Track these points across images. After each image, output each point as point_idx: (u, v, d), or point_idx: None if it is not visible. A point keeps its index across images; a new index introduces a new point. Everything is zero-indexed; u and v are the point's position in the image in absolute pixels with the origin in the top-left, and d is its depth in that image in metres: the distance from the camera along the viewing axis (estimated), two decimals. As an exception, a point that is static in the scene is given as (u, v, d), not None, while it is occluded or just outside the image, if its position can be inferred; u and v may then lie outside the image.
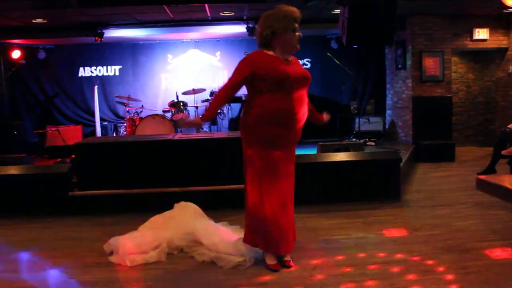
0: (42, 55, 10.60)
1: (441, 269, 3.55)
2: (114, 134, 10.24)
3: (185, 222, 4.28)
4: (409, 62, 9.59)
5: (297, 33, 3.54)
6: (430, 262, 3.70)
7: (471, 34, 9.62)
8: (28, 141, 10.11)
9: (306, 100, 3.65)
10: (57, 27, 9.27)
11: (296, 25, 3.54)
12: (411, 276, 3.43)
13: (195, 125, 3.64)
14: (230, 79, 3.59)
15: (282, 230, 3.60)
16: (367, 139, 9.56)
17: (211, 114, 3.68)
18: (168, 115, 9.46)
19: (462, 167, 7.98)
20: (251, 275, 3.55)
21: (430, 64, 9.44)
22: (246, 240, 3.74)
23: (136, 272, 3.69)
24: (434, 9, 8.94)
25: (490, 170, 6.83)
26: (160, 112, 9.79)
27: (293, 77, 3.49)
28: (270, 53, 3.57)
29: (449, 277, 3.40)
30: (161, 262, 3.88)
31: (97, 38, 9.30)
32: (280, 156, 3.60)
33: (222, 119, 10.37)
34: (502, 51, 9.97)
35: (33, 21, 8.62)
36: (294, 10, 3.54)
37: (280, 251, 3.64)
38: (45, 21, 8.64)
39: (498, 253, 3.85)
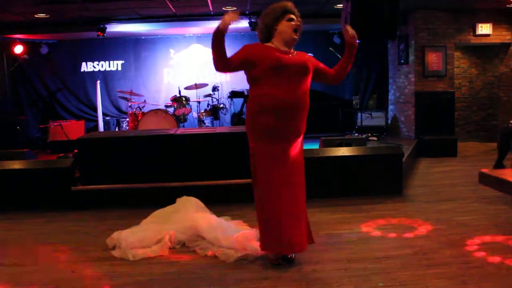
0: (44, 50, 10.61)
1: (443, 263, 3.55)
2: (117, 129, 10.25)
3: (188, 217, 4.29)
4: (411, 57, 9.57)
5: (292, 22, 3.50)
6: (432, 256, 3.70)
7: (474, 29, 9.59)
8: (31, 136, 10.13)
9: (306, 90, 3.57)
10: (59, 22, 9.27)
11: (291, 15, 3.51)
12: (413, 271, 3.43)
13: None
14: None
15: (282, 229, 3.50)
16: (369, 134, 9.56)
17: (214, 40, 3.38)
18: (171, 110, 9.46)
19: (465, 162, 7.96)
20: (253, 269, 3.56)
21: (433, 59, 9.42)
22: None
23: (138, 266, 3.70)
24: (437, 3, 8.91)
25: (499, 166, 6.83)
26: (162, 107, 9.79)
27: (287, 64, 3.45)
28: (269, 44, 3.55)
29: (451, 271, 3.40)
30: (163, 257, 3.89)
31: (99, 33, 9.30)
32: (282, 153, 3.54)
33: (225, 114, 10.37)
34: (505, 46, 9.94)
35: (36, 16, 8.61)
36: (285, 2, 3.55)
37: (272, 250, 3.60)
38: (48, 16, 8.64)
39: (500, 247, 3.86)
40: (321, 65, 3.78)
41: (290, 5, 3.56)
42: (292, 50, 3.59)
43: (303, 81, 3.54)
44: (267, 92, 3.46)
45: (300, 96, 3.51)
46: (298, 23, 3.54)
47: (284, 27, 3.50)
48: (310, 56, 3.76)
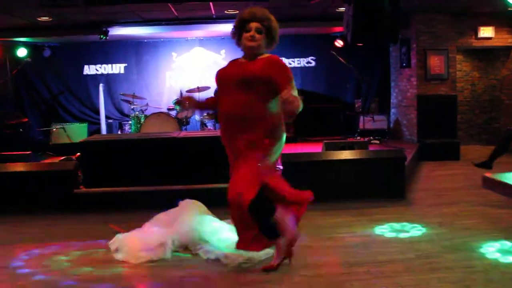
0: (47, 53, 10.63)
1: (446, 268, 3.55)
2: (119, 132, 10.26)
3: (190, 220, 4.28)
4: (413, 61, 9.57)
5: (247, 33, 3.41)
6: (436, 260, 3.69)
7: (476, 32, 9.61)
8: (33, 138, 10.14)
9: (251, 100, 3.35)
10: (62, 25, 9.30)
11: (249, 25, 3.41)
12: (416, 275, 3.43)
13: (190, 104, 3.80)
14: None
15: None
16: (371, 138, 9.55)
17: (202, 106, 3.88)
18: (173, 113, 9.48)
19: (467, 166, 7.93)
20: (256, 273, 3.55)
21: (435, 62, 9.41)
22: None
23: (141, 269, 3.71)
24: (439, 7, 8.91)
25: (487, 165, 6.73)
26: (164, 110, 9.81)
27: (228, 78, 3.44)
28: (241, 58, 3.55)
29: (455, 276, 3.39)
30: (166, 260, 3.88)
31: (101, 36, 9.33)
32: (236, 164, 3.54)
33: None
34: (507, 49, 9.95)
35: (38, 19, 8.64)
36: (245, 11, 3.46)
37: None
38: (50, 19, 8.66)
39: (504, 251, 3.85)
40: (278, 80, 3.29)
41: (246, 13, 3.44)
42: (257, 57, 3.46)
43: (247, 92, 3.35)
44: (219, 106, 3.56)
45: (243, 108, 3.36)
46: (252, 33, 3.39)
47: (243, 39, 3.45)
48: (278, 62, 3.41)
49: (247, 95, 3.35)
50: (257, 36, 3.41)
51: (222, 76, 3.52)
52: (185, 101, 3.69)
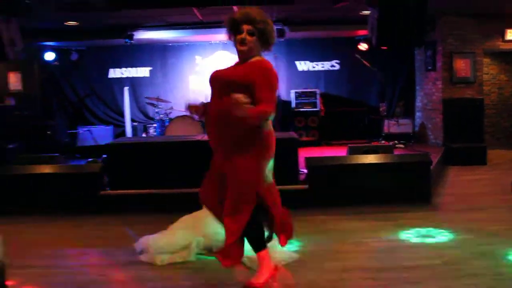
0: (74, 56, 10.80)
1: (474, 274, 3.49)
2: (144, 135, 10.36)
3: (215, 222, 4.30)
4: (439, 64, 9.44)
5: (238, 36, 3.29)
6: (463, 267, 3.64)
7: (503, 34, 9.45)
8: (60, 141, 10.31)
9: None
10: (88, 29, 9.45)
11: (241, 27, 3.27)
12: (443, 281, 3.38)
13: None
14: None
15: None
16: (396, 142, 9.46)
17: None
18: (197, 116, 9.52)
19: (494, 171, 7.81)
20: (280, 275, 3.55)
21: (461, 65, 9.28)
22: None
23: (166, 271, 3.74)
24: (465, 9, 8.78)
25: None
26: (189, 113, 9.86)
27: (215, 80, 3.44)
28: (237, 61, 3.49)
29: (483, 282, 3.34)
30: (190, 262, 3.92)
31: (127, 39, 9.46)
32: (217, 165, 3.48)
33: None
34: (536, 52, 9.76)
35: (66, 23, 8.81)
36: (238, 12, 3.33)
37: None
38: (77, 23, 8.83)
39: (533, 259, 3.78)
40: (257, 90, 3.19)
41: (238, 14, 3.30)
42: (246, 61, 3.36)
43: (228, 95, 3.18)
44: (208, 105, 3.51)
45: (223, 110, 3.24)
46: (243, 36, 3.26)
47: (236, 41, 3.34)
48: (263, 67, 3.30)
49: (228, 98, 3.18)
50: (249, 38, 3.27)
51: (212, 78, 3.50)
52: (192, 110, 3.58)
